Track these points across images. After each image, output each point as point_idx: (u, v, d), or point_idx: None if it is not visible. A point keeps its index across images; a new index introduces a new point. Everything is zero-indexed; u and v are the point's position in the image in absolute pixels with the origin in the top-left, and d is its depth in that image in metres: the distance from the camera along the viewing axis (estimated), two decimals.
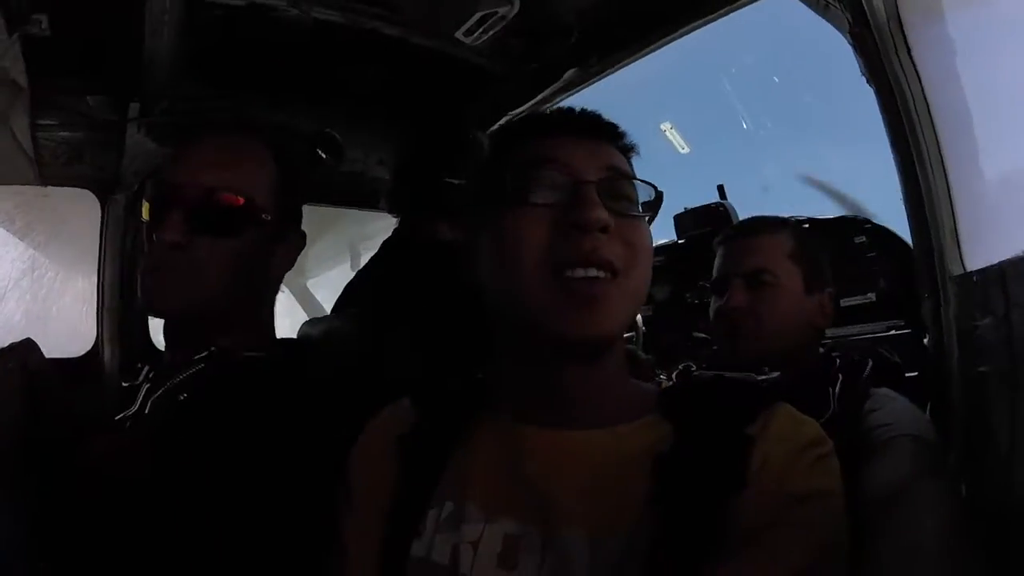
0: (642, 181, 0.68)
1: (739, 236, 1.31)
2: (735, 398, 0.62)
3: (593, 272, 0.61)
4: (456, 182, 1.37)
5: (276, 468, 0.74)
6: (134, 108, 1.56)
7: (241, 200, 0.87)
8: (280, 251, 0.94)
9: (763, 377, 0.69)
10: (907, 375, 1.37)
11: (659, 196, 0.69)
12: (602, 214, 0.62)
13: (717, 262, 1.31)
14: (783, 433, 0.59)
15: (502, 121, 1.70)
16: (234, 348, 0.87)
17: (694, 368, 1.36)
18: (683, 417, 0.61)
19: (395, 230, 1.43)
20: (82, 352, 1.56)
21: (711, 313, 1.30)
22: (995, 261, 0.92)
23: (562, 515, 0.59)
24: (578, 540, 0.57)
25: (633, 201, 0.67)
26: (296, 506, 0.73)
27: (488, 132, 0.73)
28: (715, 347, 1.34)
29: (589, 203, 0.62)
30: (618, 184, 0.66)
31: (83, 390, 1.49)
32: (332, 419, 0.82)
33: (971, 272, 0.99)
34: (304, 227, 0.99)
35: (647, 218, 0.68)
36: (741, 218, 1.99)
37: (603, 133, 0.70)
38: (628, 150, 0.71)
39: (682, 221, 2.12)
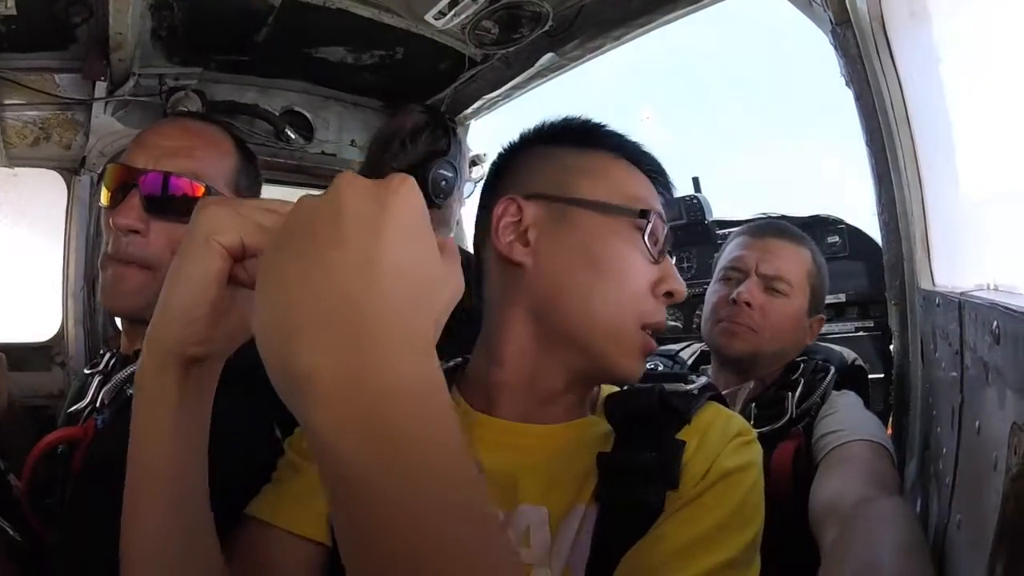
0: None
1: (769, 234, 1.25)
2: (669, 407, 0.65)
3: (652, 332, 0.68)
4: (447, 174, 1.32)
5: (220, 464, 0.71)
6: (101, 87, 1.48)
7: (200, 188, 0.83)
8: None
9: (692, 386, 0.68)
10: (873, 376, 1.35)
11: None
12: None
13: (736, 251, 1.25)
14: (714, 424, 0.65)
15: (477, 104, 1.62)
16: None
17: (660, 368, 1.33)
18: (623, 422, 0.65)
19: None
20: (48, 337, 1.51)
21: (711, 297, 1.26)
22: (964, 278, 0.88)
23: (525, 494, 0.61)
24: (540, 512, 0.61)
25: None
26: (239, 503, 0.68)
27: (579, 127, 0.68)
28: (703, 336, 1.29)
29: (680, 279, 0.69)
30: None
31: (50, 377, 1.46)
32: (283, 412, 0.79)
33: (935, 292, 0.94)
34: None
35: None
36: (715, 211, 1.96)
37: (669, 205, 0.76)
38: None
39: None
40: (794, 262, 1.21)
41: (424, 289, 0.34)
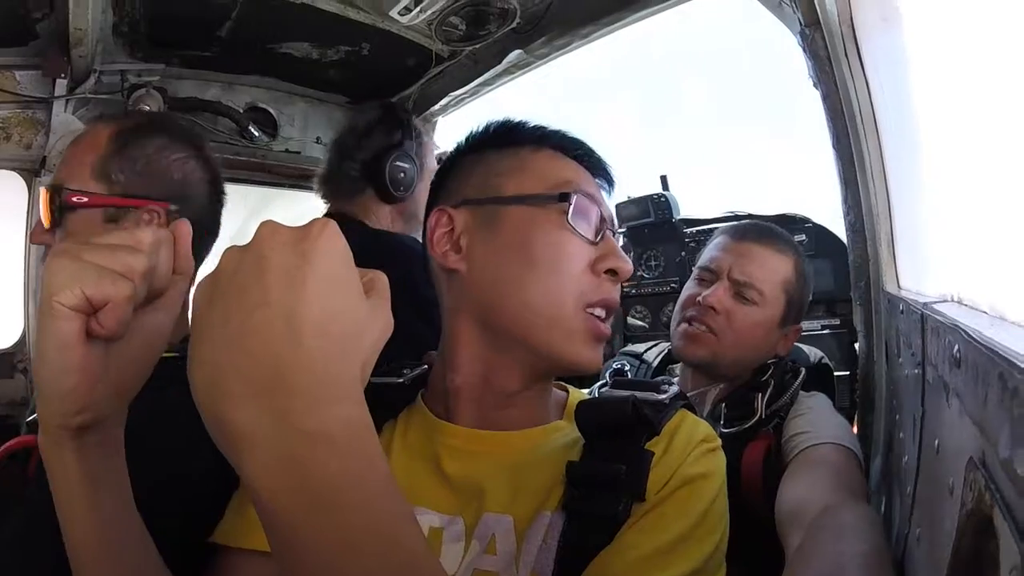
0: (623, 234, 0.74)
1: (749, 238, 1.18)
2: (640, 418, 0.61)
3: (604, 313, 0.65)
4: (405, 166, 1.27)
5: (180, 467, 0.68)
6: (61, 85, 1.41)
7: (67, 196, 0.81)
8: None
9: (663, 396, 0.66)
10: (838, 374, 1.33)
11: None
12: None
13: (712, 252, 1.19)
14: (680, 429, 0.63)
15: (444, 101, 1.56)
16: None
17: (627, 368, 1.30)
18: (594, 431, 0.62)
19: (325, 215, 1.31)
20: (10, 344, 1.43)
21: (682, 295, 1.20)
22: (928, 283, 0.85)
23: (490, 503, 0.60)
24: (504, 521, 0.59)
25: None
26: (199, 502, 0.66)
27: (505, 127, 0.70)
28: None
29: (623, 255, 0.65)
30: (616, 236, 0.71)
31: (12, 384, 1.40)
32: None
33: (899, 298, 0.91)
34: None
35: None
36: (682, 209, 1.93)
37: (613, 185, 0.72)
38: None
39: (623, 210, 1.95)
40: (770, 269, 1.14)
41: (348, 337, 0.34)
